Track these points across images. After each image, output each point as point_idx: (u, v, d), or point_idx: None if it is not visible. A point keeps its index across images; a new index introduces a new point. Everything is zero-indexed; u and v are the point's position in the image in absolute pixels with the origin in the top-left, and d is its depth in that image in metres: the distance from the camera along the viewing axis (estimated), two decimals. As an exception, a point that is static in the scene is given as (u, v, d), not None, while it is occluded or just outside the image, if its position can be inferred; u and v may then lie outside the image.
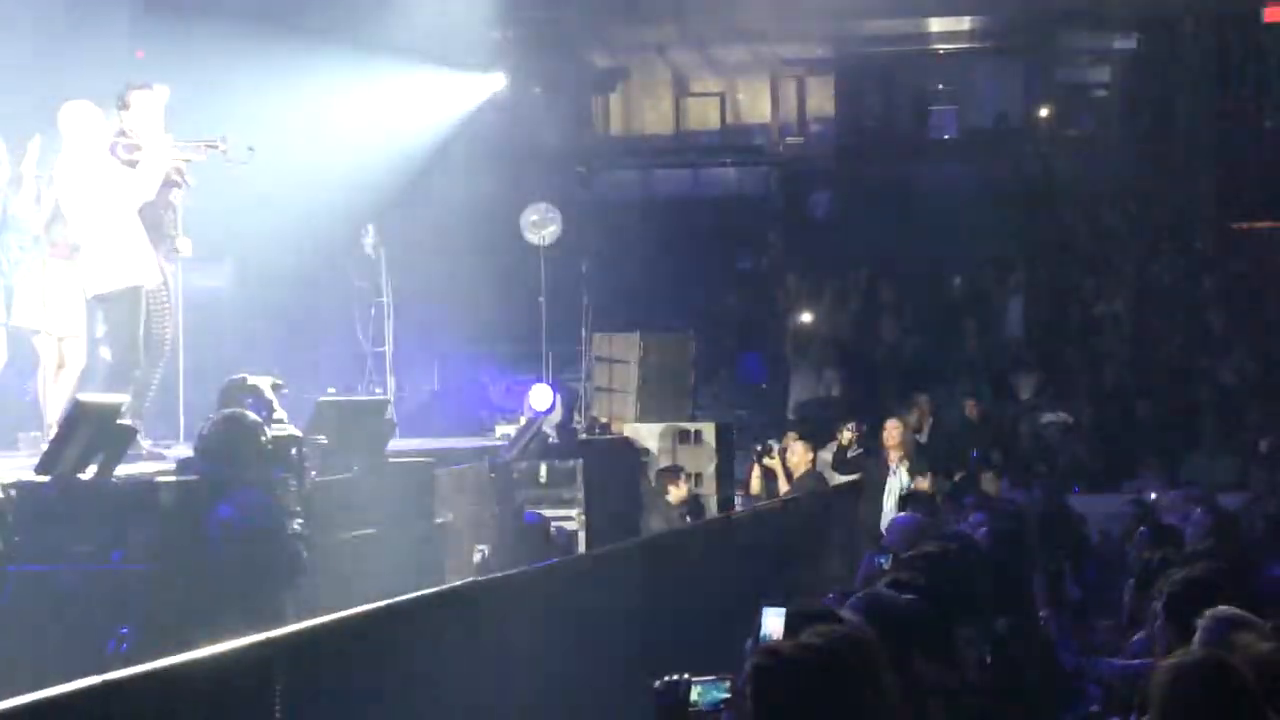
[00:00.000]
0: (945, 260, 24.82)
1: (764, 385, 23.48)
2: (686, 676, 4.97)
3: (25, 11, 14.72)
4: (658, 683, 5.02)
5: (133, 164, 10.87)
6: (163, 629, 7.67)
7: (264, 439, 8.84)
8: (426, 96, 21.74)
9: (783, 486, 16.36)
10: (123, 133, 11.01)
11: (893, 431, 16.42)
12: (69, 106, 10.91)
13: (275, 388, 10.01)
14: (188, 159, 11.30)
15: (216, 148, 11.29)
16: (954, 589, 6.68)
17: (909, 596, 6.09)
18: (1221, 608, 6.09)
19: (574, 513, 13.70)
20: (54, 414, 10.63)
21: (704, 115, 29.89)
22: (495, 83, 23.49)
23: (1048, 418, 21.27)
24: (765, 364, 24.23)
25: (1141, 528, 10.46)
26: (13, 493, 8.52)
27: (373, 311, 18.12)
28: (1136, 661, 7.54)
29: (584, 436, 15.59)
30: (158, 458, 10.43)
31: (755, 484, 16.75)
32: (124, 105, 11.04)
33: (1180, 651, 5.49)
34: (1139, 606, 8.05)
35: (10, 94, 13.04)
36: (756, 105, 30.04)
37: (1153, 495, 14.24)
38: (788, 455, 16.48)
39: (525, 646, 7.67)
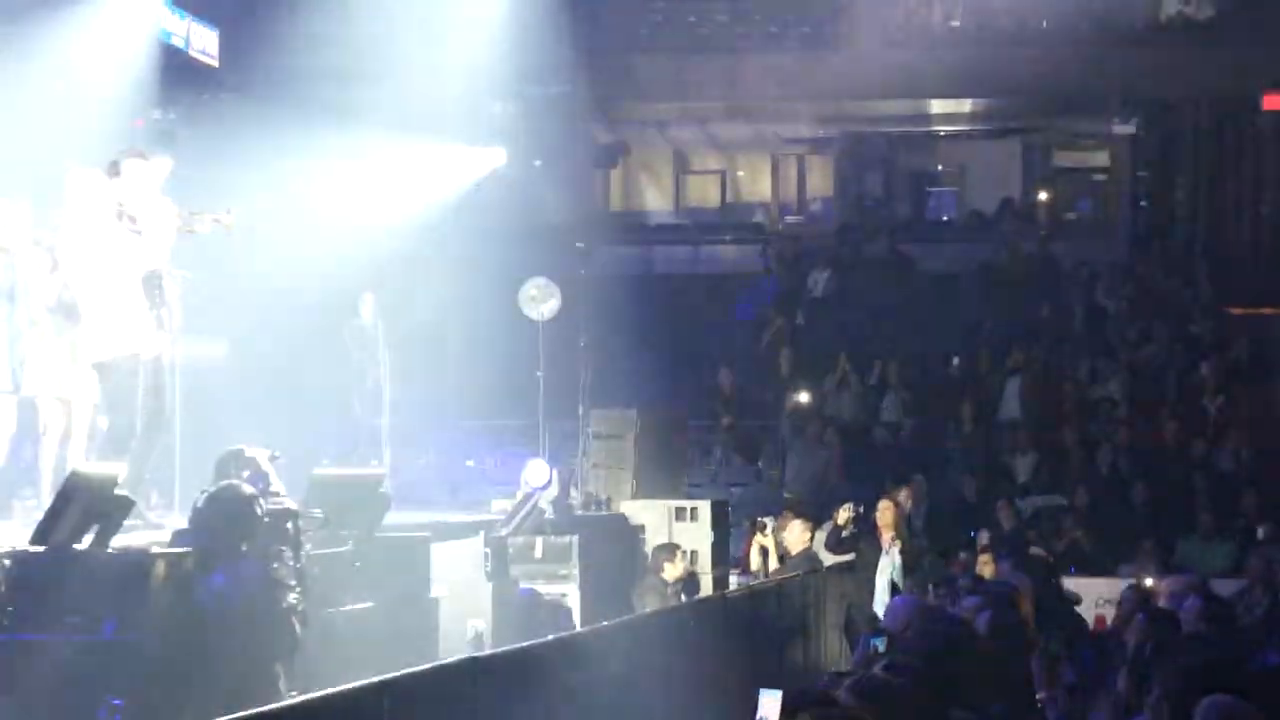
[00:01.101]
0: (942, 341, 24.85)
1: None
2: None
3: (25, 76, 14.80)
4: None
5: (138, 232, 10.85)
6: (155, 701, 7.64)
7: (259, 511, 8.81)
8: (427, 170, 21.84)
9: (773, 564, 16.31)
10: (120, 200, 10.96)
11: (885, 512, 16.41)
12: (76, 173, 10.90)
13: (272, 459, 9.97)
14: (192, 230, 11.28)
15: (220, 221, 11.29)
16: (950, 672, 6.65)
17: (904, 679, 6.06)
18: (1218, 695, 6.08)
19: (569, 589, 13.64)
20: (56, 481, 10.58)
21: (704, 192, 30.03)
22: (496, 157, 23.62)
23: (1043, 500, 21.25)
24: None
25: (1138, 613, 10.42)
26: (6, 561, 8.48)
27: (370, 384, 18.15)
28: (1133, 747, 7.50)
29: (580, 512, 15.54)
30: (159, 528, 10.38)
31: (755, 560, 16.68)
32: (115, 172, 10.86)
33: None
34: (1135, 691, 8.01)
35: (7, 158, 13.07)
36: (756, 183, 30.19)
37: (1148, 580, 14.21)
38: (784, 534, 16.43)
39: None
